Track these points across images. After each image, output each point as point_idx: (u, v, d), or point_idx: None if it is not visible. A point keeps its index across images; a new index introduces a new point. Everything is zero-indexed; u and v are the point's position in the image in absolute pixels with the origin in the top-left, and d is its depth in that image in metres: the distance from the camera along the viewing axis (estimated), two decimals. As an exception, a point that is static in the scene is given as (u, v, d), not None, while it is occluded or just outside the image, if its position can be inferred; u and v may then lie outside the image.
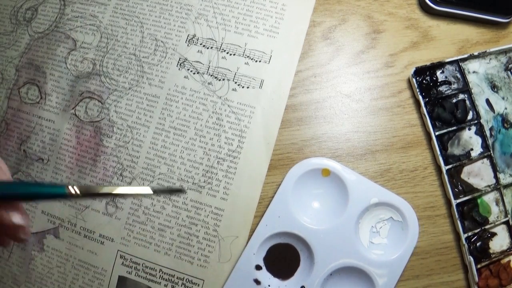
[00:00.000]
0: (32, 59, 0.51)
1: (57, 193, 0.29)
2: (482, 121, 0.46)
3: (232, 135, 0.46)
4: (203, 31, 0.49)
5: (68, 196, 0.29)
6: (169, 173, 0.46)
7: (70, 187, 0.29)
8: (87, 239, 0.46)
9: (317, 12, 0.50)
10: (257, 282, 0.43)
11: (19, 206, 0.30)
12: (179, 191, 0.42)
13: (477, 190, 0.45)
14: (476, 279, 0.43)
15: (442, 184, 0.46)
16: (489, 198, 0.45)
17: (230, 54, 0.48)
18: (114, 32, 0.50)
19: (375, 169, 0.46)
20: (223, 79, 0.48)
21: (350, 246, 0.43)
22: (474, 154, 0.46)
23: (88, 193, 0.30)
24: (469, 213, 0.44)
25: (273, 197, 0.45)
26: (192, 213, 0.45)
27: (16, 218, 0.29)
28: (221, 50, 0.49)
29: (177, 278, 0.44)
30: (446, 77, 0.47)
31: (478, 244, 0.44)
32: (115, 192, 0.30)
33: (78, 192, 0.29)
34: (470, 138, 0.46)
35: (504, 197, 0.45)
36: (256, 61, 0.48)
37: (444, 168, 0.45)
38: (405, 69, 0.49)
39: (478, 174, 0.45)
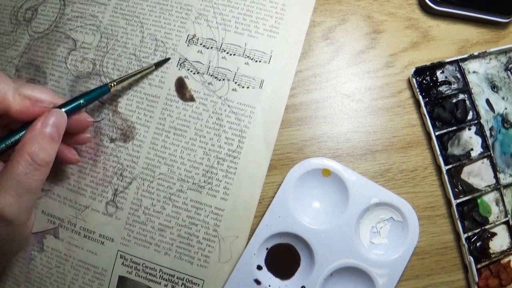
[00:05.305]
0: (32, 59, 0.51)
1: (105, 91, 0.44)
2: (482, 121, 0.46)
3: (232, 135, 0.46)
4: (203, 31, 0.49)
5: (110, 89, 0.44)
6: (169, 173, 0.46)
7: (109, 85, 0.44)
8: (87, 239, 0.46)
9: (317, 12, 0.50)
10: (257, 282, 0.43)
11: (81, 112, 0.43)
12: (166, 60, 0.49)
13: (477, 190, 0.45)
14: (476, 279, 0.43)
15: (442, 184, 0.46)
16: (489, 198, 0.45)
17: (230, 54, 0.48)
18: (114, 32, 0.50)
19: (375, 169, 0.46)
20: (223, 79, 0.48)
21: (350, 246, 0.43)
22: (474, 154, 0.46)
23: (120, 81, 0.45)
24: (469, 213, 0.44)
25: (273, 197, 0.45)
26: (192, 213, 0.45)
27: (88, 118, 0.43)
28: (221, 50, 0.49)
29: (177, 278, 0.44)
30: (446, 77, 0.47)
31: (478, 244, 0.44)
32: (130, 75, 0.46)
33: (115, 83, 0.45)
34: (470, 138, 0.46)
35: (504, 197, 0.45)
36: (256, 61, 0.48)
37: (444, 168, 0.45)
38: (405, 69, 0.49)
39: (478, 174, 0.45)
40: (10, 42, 0.52)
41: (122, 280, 0.45)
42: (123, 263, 0.45)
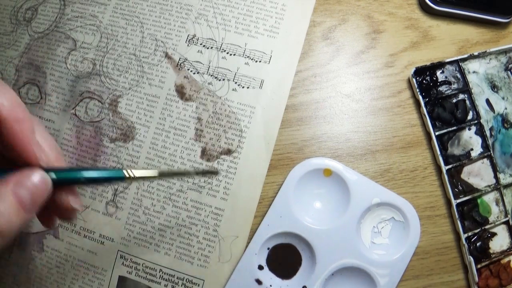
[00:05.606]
0: (32, 59, 0.51)
1: (116, 177, 0.32)
2: (482, 121, 0.46)
3: (232, 135, 0.46)
4: (203, 31, 0.49)
5: (124, 179, 0.32)
6: (169, 173, 0.46)
7: (126, 171, 0.32)
8: (87, 239, 0.46)
9: (317, 12, 0.50)
10: (258, 282, 0.43)
11: (75, 190, 0.32)
12: (213, 173, 0.44)
13: (477, 190, 0.45)
14: (476, 279, 0.43)
15: (442, 184, 0.46)
16: (489, 198, 0.45)
17: (230, 54, 0.48)
18: (114, 32, 0.50)
19: (375, 169, 0.46)
20: (223, 79, 0.48)
21: (351, 246, 0.43)
22: (474, 154, 0.46)
23: (140, 177, 0.33)
24: (469, 213, 0.45)
25: (273, 197, 0.45)
26: (192, 213, 0.45)
27: (74, 202, 0.31)
28: (221, 50, 0.49)
29: (177, 278, 0.44)
30: (446, 77, 0.47)
31: (478, 244, 0.44)
32: (162, 173, 0.35)
33: (133, 175, 0.32)
34: (470, 138, 0.46)
35: (504, 197, 0.45)
36: (256, 61, 0.48)
37: (444, 168, 0.45)
38: (405, 69, 0.49)
39: (478, 174, 0.46)
40: (10, 42, 0.52)
41: (122, 280, 0.45)
42: (123, 263, 0.45)
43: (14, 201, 0.27)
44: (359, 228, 0.44)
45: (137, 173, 0.33)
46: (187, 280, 0.44)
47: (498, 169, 0.46)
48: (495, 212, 0.45)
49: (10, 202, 0.27)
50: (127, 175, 0.32)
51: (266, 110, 0.47)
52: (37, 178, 0.28)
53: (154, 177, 0.35)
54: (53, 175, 0.29)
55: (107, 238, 0.45)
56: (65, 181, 0.30)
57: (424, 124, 0.47)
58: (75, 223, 0.46)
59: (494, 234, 0.45)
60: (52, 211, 0.33)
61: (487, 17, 0.49)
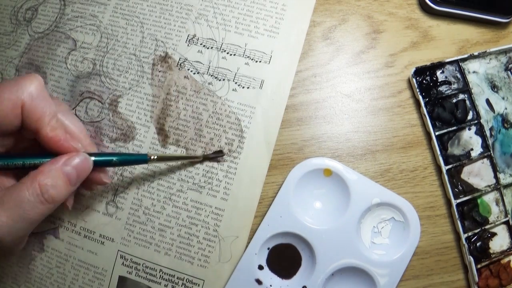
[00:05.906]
0: (32, 59, 0.51)
1: (142, 160, 0.41)
2: (482, 121, 0.46)
3: (232, 135, 0.46)
4: (203, 31, 0.49)
5: (148, 161, 0.41)
6: (169, 173, 0.46)
7: (150, 156, 0.41)
8: (87, 239, 0.46)
9: (317, 12, 0.50)
10: (258, 282, 0.43)
11: (105, 169, 0.42)
12: (220, 152, 0.46)
13: (477, 190, 0.45)
14: (476, 279, 0.43)
15: (442, 184, 0.46)
16: (489, 198, 0.45)
17: (230, 54, 0.48)
18: (114, 32, 0.50)
19: (375, 169, 0.46)
20: (223, 79, 0.48)
21: (351, 246, 0.43)
22: (474, 154, 0.46)
23: (161, 158, 0.43)
24: (469, 213, 0.45)
25: (273, 197, 0.45)
26: (192, 213, 0.45)
27: (105, 178, 0.41)
28: (221, 50, 0.49)
29: (177, 278, 0.44)
30: (446, 77, 0.47)
31: (478, 244, 0.44)
32: (175, 155, 0.46)
33: (155, 157, 0.42)
34: (470, 138, 0.46)
35: (504, 197, 0.45)
36: (256, 61, 0.48)
37: (444, 168, 0.45)
38: (405, 69, 0.49)
39: (478, 174, 0.46)
40: (10, 42, 0.52)
41: (122, 280, 0.45)
42: (123, 263, 0.45)
43: (63, 176, 0.35)
44: (359, 228, 0.44)
45: (158, 156, 0.42)
46: (187, 280, 0.44)
47: (498, 169, 0.46)
48: (495, 212, 0.45)
49: (61, 178, 0.35)
50: (151, 158, 0.41)
51: (266, 110, 0.47)
52: (81, 159, 0.37)
53: (170, 158, 0.45)
54: (93, 158, 0.38)
55: (107, 238, 0.46)
56: (101, 163, 0.39)
57: (424, 124, 0.47)
58: (75, 223, 0.46)
59: (494, 234, 0.45)
60: (85, 185, 0.40)
61: (487, 17, 0.49)
